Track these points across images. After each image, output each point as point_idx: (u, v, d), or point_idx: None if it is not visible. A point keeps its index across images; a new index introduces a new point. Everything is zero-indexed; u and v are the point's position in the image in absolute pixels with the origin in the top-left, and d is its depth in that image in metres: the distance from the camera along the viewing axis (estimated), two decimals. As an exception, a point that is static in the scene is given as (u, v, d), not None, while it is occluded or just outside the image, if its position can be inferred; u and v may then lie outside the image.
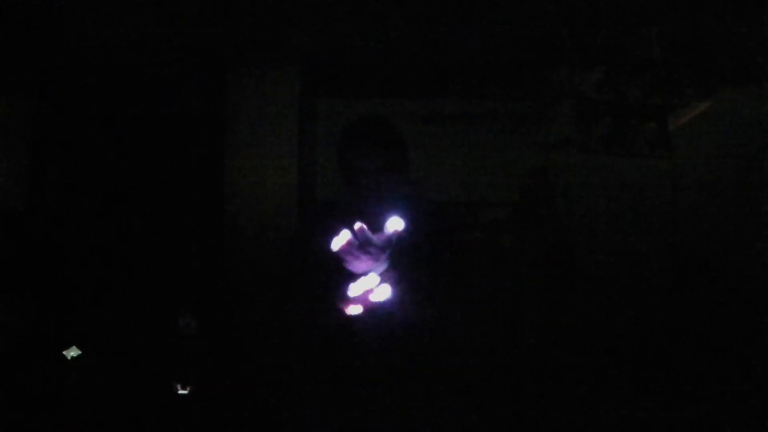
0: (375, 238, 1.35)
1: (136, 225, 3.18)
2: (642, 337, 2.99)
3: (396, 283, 1.39)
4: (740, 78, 3.07)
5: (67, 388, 2.67)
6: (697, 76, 3.14)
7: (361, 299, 1.31)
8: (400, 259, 1.44)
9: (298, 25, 2.96)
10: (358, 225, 1.32)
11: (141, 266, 3.10)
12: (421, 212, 1.65)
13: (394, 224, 1.33)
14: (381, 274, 1.37)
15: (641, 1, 2.71)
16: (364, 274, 1.34)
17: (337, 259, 1.38)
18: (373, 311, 1.37)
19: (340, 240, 1.32)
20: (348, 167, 1.63)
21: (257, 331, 2.98)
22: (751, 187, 3.10)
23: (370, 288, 1.30)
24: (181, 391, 2.78)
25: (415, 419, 1.54)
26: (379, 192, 1.59)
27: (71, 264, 3.04)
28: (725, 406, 2.59)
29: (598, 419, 2.61)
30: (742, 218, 3.07)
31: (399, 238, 1.36)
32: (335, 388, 1.59)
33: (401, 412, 1.54)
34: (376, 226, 1.50)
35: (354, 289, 1.30)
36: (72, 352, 2.63)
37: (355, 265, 1.39)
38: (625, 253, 3.15)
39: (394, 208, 1.58)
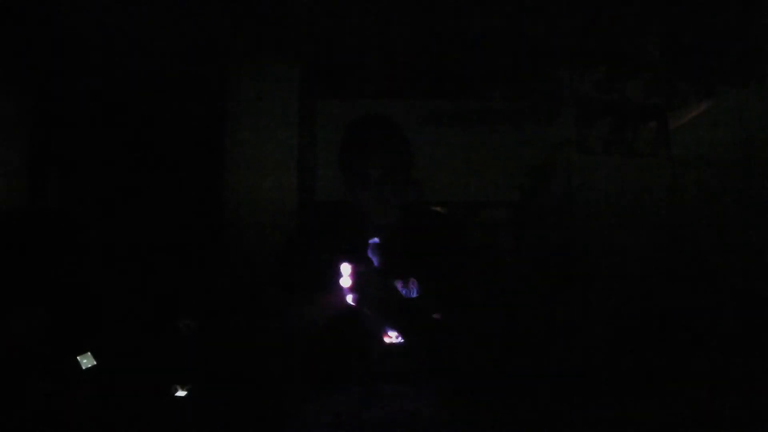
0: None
1: (134, 225, 3.17)
2: (642, 337, 2.99)
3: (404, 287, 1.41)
4: (740, 78, 3.07)
5: (66, 388, 2.66)
6: (697, 76, 3.14)
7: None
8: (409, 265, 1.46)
9: (298, 25, 2.96)
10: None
11: (140, 266, 3.10)
12: (425, 217, 1.65)
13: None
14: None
15: (642, 1, 2.71)
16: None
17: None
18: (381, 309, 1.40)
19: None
20: (351, 171, 1.58)
21: (257, 331, 2.98)
22: (752, 187, 3.10)
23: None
24: (179, 393, 2.78)
25: (415, 419, 1.54)
26: (383, 198, 1.56)
27: (70, 264, 3.04)
28: (725, 406, 2.59)
29: (598, 419, 2.61)
30: (743, 218, 3.08)
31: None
32: (334, 387, 1.58)
33: (401, 411, 1.54)
34: (379, 231, 1.50)
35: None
36: (85, 360, 2.62)
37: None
38: (625, 253, 3.14)
39: (398, 214, 1.58)
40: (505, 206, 3.32)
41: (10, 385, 2.54)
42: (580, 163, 3.23)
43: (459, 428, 1.55)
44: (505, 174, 3.30)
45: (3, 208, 3.10)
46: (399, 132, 1.62)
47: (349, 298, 1.41)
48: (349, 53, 3.22)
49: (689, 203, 3.15)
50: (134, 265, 3.09)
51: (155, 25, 2.88)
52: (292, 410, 1.64)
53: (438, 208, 1.88)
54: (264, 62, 3.24)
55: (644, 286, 3.10)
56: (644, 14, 2.87)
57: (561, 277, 3.16)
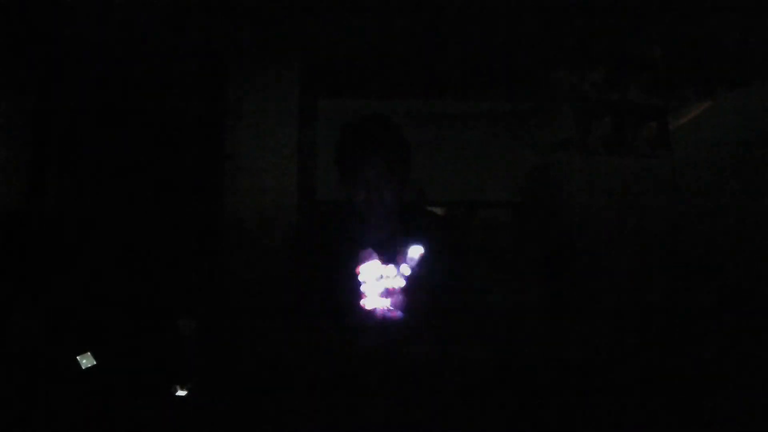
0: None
1: (134, 225, 3.17)
2: (642, 337, 2.99)
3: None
4: (740, 78, 3.07)
5: (65, 388, 2.66)
6: (697, 76, 3.14)
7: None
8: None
9: (298, 26, 2.95)
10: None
11: (140, 266, 3.09)
12: (421, 218, 1.64)
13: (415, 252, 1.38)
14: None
15: (642, 1, 2.71)
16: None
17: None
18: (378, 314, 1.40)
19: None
20: (348, 172, 1.58)
21: (257, 332, 2.98)
22: (751, 186, 3.10)
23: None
24: (179, 392, 2.77)
25: (415, 421, 1.54)
26: (380, 198, 1.55)
27: (70, 264, 3.04)
28: (725, 406, 2.59)
29: (598, 419, 2.60)
30: (742, 218, 3.07)
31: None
32: (336, 390, 1.58)
33: (402, 413, 1.54)
34: (377, 231, 1.50)
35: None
36: (85, 360, 2.62)
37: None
38: (626, 253, 3.14)
39: (395, 214, 1.58)
40: (504, 206, 3.32)
41: (9, 385, 2.54)
42: (580, 163, 3.23)
43: (458, 428, 1.55)
44: (505, 174, 3.30)
45: (3, 208, 3.10)
46: (397, 132, 1.60)
47: (386, 303, 1.41)
48: (349, 53, 3.21)
49: (689, 203, 3.15)
50: (134, 266, 3.09)
51: (155, 26, 2.88)
52: (291, 411, 1.64)
53: (436, 209, 1.87)
54: (264, 62, 3.24)
55: (644, 285, 3.10)
56: (645, 15, 2.86)
57: (560, 277, 3.16)
